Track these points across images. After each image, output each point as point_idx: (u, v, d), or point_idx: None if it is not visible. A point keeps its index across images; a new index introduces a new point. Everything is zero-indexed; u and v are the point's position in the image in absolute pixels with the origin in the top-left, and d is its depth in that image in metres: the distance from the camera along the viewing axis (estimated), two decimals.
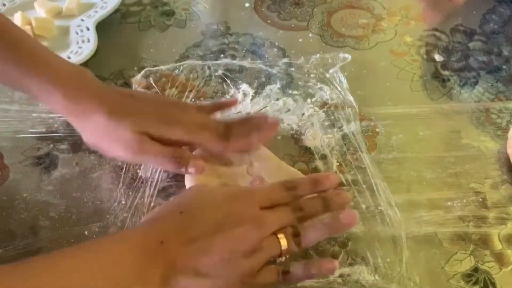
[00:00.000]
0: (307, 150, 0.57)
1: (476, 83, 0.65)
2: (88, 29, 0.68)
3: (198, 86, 0.64)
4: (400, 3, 0.77)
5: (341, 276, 0.46)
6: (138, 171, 0.54)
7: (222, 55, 0.68)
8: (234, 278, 0.39)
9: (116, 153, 0.49)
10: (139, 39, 0.70)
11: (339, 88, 0.63)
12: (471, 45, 0.70)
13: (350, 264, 0.47)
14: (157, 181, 0.54)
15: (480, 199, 0.52)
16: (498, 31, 0.72)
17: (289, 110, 0.61)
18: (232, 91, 0.63)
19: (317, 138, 0.58)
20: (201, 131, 0.50)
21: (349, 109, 0.61)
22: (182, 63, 0.67)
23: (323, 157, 0.56)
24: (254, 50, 0.69)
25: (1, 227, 0.50)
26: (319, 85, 0.64)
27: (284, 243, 0.42)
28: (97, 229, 0.50)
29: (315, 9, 0.76)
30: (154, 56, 0.68)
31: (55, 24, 0.69)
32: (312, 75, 0.65)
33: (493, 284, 0.46)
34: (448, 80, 0.65)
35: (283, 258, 0.43)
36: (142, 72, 0.65)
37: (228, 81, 0.64)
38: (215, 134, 0.50)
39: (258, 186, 0.49)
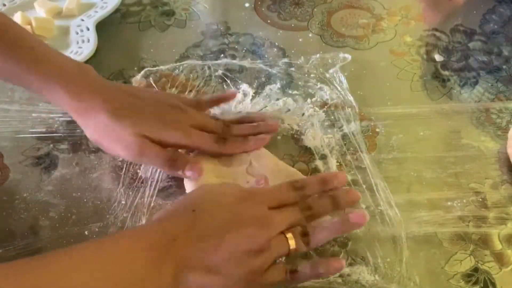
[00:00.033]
0: (307, 150, 0.57)
1: (476, 83, 0.65)
2: (88, 29, 0.69)
3: (198, 86, 0.64)
4: (400, 3, 0.77)
5: (341, 276, 0.46)
6: (138, 171, 0.54)
7: (222, 55, 0.68)
8: (243, 276, 0.40)
9: (116, 152, 0.51)
10: (139, 39, 0.70)
11: (339, 88, 0.63)
12: (471, 45, 0.70)
13: (350, 264, 0.47)
14: (157, 181, 0.54)
15: (480, 199, 0.52)
16: (498, 31, 0.72)
17: (289, 110, 0.61)
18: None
19: (317, 138, 0.58)
20: (199, 134, 0.51)
21: (349, 109, 0.61)
22: (182, 63, 0.67)
23: (323, 157, 0.56)
24: (254, 50, 0.69)
25: (1, 227, 0.50)
26: (319, 85, 0.64)
27: (292, 242, 0.42)
28: (97, 229, 0.50)
29: (315, 9, 0.76)
30: (154, 56, 0.68)
31: (55, 24, 0.69)
32: (312, 75, 0.65)
33: (493, 284, 0.46)
34: (448, 80, 0.65)
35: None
36: (142, 72, 0.65)
37: (228, 81, 0.64)
38: (213, 137, 0.52)
39: (266, 186, 0.50)
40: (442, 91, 0.64)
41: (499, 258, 0.48)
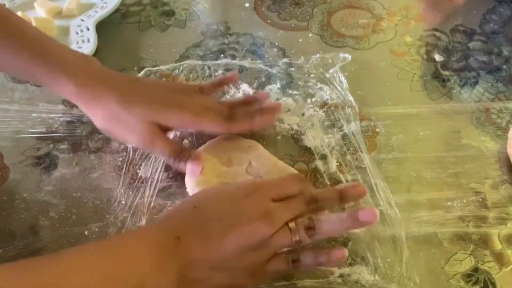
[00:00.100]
0: (307, 150, 0.57)
1: (476, 83, 0.65)
2: (88, 29, 0.69)
3: None
4: (400, 3, 0.77)
5: (341, 276, 0.46)
6: (138, 171, 0.54)
7: (222, 55, 0.68)
8: (245, 269, 0.41)
9: (127, 141, 0.52)
10: (139, 39, 0.70)
11: (339, 88, 0.63)
12: (471, 45, 0.70)
13: (350, 264, 0.47)
14: (157, 181, 0.54)
15: (480, 199, 0.52)
16: (498, 31, 0.72)
17: (289, 110, 0.61)
18: (232, 91, 0.63)
19: (317, 138, 0.58)
20: (206, 113, 0.52)
21: (349, 109, 0.61)
22: (182, 63, 0.67)
23: (323, 157, 0.56)
24: (254, 50, 0.69)
25: (1, 227, 0.50)
26: (319, 85, 0.64)
27: (295, 235, 0.42)
28: (97, 229, 0.50)
29: (315, 9, 0.76)
30: (154, 56, 0.68)
31: (55, 24, 0.69)
32: (312, 75, 0.65)
33: (493, 284, 0.46)
34: (448, 80, 0.65)
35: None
36: (142, 72, 0.65)
37: None
38: (220, 116, 0.52)
39: (269, 179, 0.49)
40: (442, 91, 0.64)
41: (499, 258, 0.48)
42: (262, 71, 0.66)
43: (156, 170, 0.54)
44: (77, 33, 0.68)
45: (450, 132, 0.59)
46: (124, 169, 0.55)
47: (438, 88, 0.64)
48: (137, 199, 0.52)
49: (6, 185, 0.53)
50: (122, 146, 0.57)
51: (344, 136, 0.58)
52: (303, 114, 0.60)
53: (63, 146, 0.57)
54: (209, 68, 0.66)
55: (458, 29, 0.72)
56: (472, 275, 0.47)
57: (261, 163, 0.52)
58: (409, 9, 0.76)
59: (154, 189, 0.53)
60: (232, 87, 0.63)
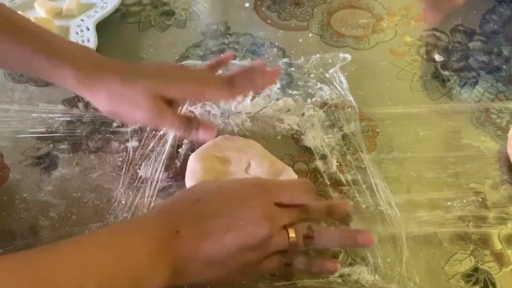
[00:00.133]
0: (307, 150, 0.57)
1: (476, 83, 0.65)
2: (88, 29, 0.69)
3: None
4: (400, 3, 0.77)
5: (341, 276, 0.46)
6: (138, 171, 0.54)
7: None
8: (239, 267, 0.41)
9: (135, 119, 0.52)
10: (139, 39, 0.70)
11: (339, 88, 0.63)
12: (471, 45, 0.70)
13: (350, 264, 0.47)
14: (157, 181, 0.54)
15: (480, 199, 0.52)
16: (498, 31, 0.72)
17: (289, 110, 0.61)
18: None
19: (317, 138, 0.58)
20: (208, 81, 0.52)
21: (349, 109, 0.61)
22: (182, 63, 0.67)
23: (323, 157, 0.56)
24: (254, 50, 0.69)
25: (1, 227, 0.50)
26: (319, 85, 0.64)
27: (293, 240, 0.42)
28: None
29: (315, 9, 0.76)
30: (154, 56, 0.68)
31: (55, 24, 0.69)
32: (312, 75, 0.65)
33: (493, 284, 0.46)
34: (448, 80, 0.65)
35: None
36: None
37: None
38: (221, 83, 0.52)
39: (278, 182, 0.49)
40: (442, 91, 0.64)
41: (499, 258, 0.48)
42: None
43: (156, 170, 0.54)
44: (77, 33, 0.68)
45: (450, 132, 0.59)
46: (124, 169, 0.55)
47: (438, 88, 0.64)
48: (137, 199, 0.52)
49: (6, 185, 0.53)
50: (122, 146, 0.57)
51: (344, 136, 0.58)
52: (303, 114, 0.60)
53: (63, 146, 0.57)
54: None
55: (458, 29, 0.72)
56: (472, 275, 0.47)
57: (260, 163, 0.52)
58: (409, 9, 0.76)
59: (154, 189, 0.53)
60: None
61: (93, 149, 0.56)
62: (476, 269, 0.47)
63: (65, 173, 0.54)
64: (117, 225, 0.41)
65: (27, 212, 0.51)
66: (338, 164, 0.55)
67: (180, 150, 0.56)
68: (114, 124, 0.59)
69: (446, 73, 0.66)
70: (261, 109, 0.61)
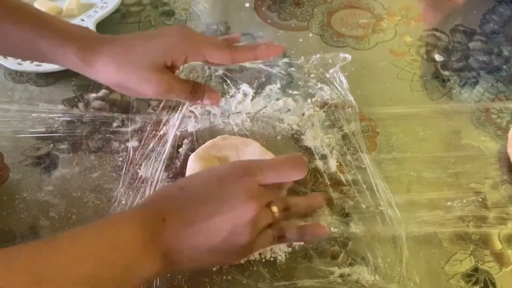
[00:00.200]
0: (307, 150, 0.57)
1: (476, 83, 0.65)
2: None
3: None
4: (400, 3, 0.77)
5: (341, 276, 0.46)
6: (138, 171, 0.54)
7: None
8: (233, 250, 0.42)
9: (141, 89, 0.51)
10: None
11: (339, 88, 0.63)
12: (471, 45, 0.70)
13: (350, 264, 0.47)
14: (157, 181, 0.54)
15: (480, 199, 0.52)
16: (498, 31, 0.72)
17: (289, 110, 0.61)
18: (232, 91, 0.63)
19: (317, 138, 0.58)
20: (209, 41, 0.52)
21: (349, 109, 0.61)
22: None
23: (323, 157, 0.56)
24: None
25: (1, 227, 0.50)
26: (319, 85, 0.64)
27: (276, 214, 0.44)
28: None
29: (315, 9, 0.76)
30: None
31: None
32: (312, 75, 0.65)
33: (493, 284, 0.46)
34: (448, 80, 0.65)
35: None
36: None
37: (228, 81, 0.64)
38: (223, 44, 0.52)
39: (265, 161, 0.48)
40: (442, 91, 0.64)
41: (499, 258, 0.48)
42: (262, 71, 0.66)
43: (156, 170, 0.54)
44: None
45: (450, 132, 0.59)
46: (124, 169, 0.55)
47: (438, 88, 0.64)
48: (137, 199, 0.52)
49: (6, 185, 0.53)
50: (122, 146, 0.57)
51: (344, 136, 0.58)
52: (303, 114, 0.60)
53: (63, 146, 0.57)
54: (209, 68, 0.66)
55: (458, 29, 0.72)
56: (472, 275, 0.47)
57: None
58: (409, 9, 0.76)
59: (154, 189, 0.53)
60: (232, 87, 0.63)
61: (93, 149, 0.56)
62: (476, 269, 0.47)
63: (65, 173, 0.54)
64: (108, 217, 0.42)
65: (27, 212, 0.51)
66: (338, 164, 0.55)
67: (180, 150, 0.56)
68: (114, 124, 0.59)
69: (446, 73, 0.66)
70: (261, 109, 0.61)
